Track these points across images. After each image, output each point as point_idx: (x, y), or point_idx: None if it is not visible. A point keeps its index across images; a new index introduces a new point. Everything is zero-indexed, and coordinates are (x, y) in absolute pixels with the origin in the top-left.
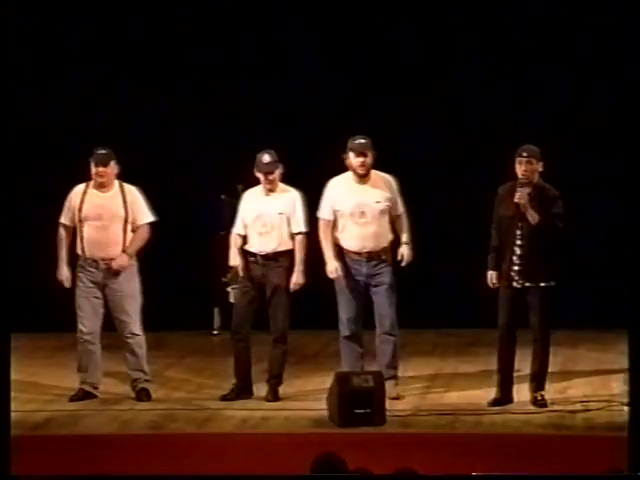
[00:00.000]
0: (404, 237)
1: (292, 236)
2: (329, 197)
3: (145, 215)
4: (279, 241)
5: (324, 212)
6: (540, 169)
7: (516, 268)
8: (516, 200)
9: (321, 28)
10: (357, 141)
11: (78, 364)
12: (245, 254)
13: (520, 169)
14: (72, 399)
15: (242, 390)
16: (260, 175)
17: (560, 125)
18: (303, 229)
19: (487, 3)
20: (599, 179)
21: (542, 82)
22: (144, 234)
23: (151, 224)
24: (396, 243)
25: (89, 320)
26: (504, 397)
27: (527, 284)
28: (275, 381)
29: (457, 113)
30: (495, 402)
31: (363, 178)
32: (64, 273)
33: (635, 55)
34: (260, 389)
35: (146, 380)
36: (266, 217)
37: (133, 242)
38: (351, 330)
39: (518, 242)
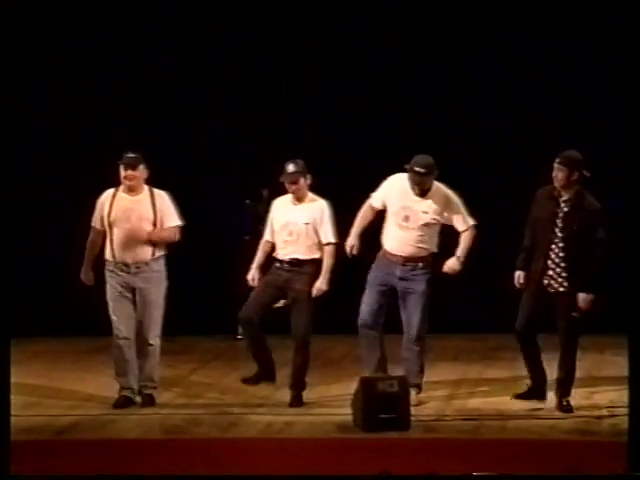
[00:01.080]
0: (458, 250)
1: (320, 246)
2: (385, 188)
3: (174, 219)
4: (304, 250)
5: (374, 196)
6: (574, 177)
7: (550, 273)
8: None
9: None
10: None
11: (115, 369)
12: (272, 260)
13: (553, 175)
14: (115, 406)
15: (263, 375)
16: (285, 184)
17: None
18: (332, 240)
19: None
20: (602, 179)
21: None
22: (173, 232)
23: (180, 228)
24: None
25: (124, 325)
26: (534, 392)
27: (561, 289)
28: (299, 386)
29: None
30: (522, 395)
31: (420, 187)
32: (87, 273)
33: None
34: (284, 394)
35: (153, 387)
36: (292, 226)
37: (162, 231)
38: (363, 320)
39: (553, 247)
